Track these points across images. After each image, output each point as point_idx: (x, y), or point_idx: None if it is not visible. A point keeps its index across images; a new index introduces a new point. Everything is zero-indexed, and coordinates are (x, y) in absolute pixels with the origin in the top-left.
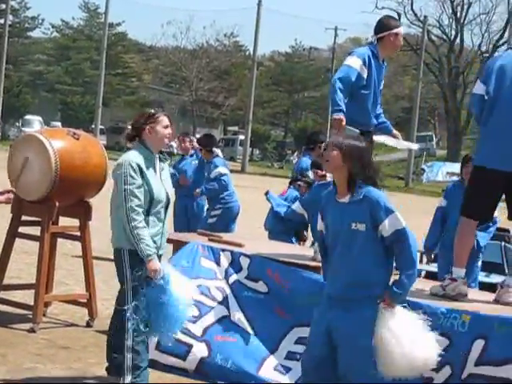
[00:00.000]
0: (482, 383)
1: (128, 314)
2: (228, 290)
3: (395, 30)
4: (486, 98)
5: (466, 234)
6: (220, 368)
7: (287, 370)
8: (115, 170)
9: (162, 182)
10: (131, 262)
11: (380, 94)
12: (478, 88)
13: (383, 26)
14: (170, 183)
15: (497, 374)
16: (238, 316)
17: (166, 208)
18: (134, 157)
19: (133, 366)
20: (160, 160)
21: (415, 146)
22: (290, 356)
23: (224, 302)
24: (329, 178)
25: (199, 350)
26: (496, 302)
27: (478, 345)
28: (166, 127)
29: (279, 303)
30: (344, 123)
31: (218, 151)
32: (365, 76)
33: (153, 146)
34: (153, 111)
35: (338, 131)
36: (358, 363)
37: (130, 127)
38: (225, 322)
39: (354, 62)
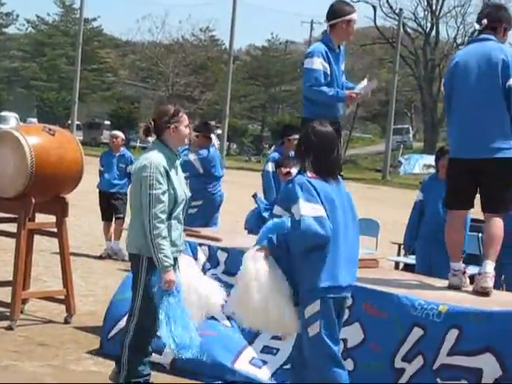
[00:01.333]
0: (453, 375)
1: (133, 323)
2: None
3: (347, 17)
4: (444, 92)
5: (453, 226)
6: (195, 361)
7: (263, 363)
8: (139, 172)
9: (180, 183)
10: (148, 269)
11: (342, 74)
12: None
13: (335, 12)
14: (184, 181)
15: (469, 364)
16: None
17: (184, 208)
18: (160, 159)
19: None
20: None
21: (374, 83)
22: (266, 350)
23: None
24: (293, 173)
25: None
26: (475, 291)
27: (453, 334)
28: (187, 126)
29: None
30: (355, 95)
31: (214, 138)
32: (328, 72)
33: (174, 145)
34: (176, 108)
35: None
36: None
37: (151, 122)
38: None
39: (316, 63)
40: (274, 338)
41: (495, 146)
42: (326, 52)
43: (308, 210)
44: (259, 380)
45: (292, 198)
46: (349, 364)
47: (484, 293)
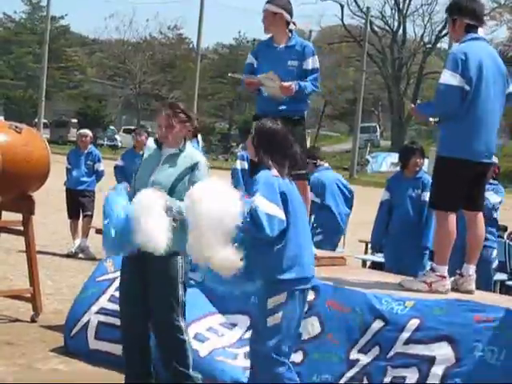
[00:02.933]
0: (405, 362)
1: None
2: None
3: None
4: (467, 89)
5: (448, 227)
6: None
7: (206, 339)
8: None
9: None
10: (186, 269)
11: (286, 69)
12: (454, 80)
13: None
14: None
15: (422, 352)
16: None
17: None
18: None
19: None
20: None
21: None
22: (212, 331)
23: None
24: None
25: None
26: (455, 290)
27: (413, 324)
28: (159, 127)
29: (211, 291)
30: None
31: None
32: (254, 66)
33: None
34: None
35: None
36: None
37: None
38: None
39: (248, 59)
40: (223, 325)
41: (494, 150)
42: (259, 48)
43: (263, 204)
44: (198, 355)
45: (253, 190)
46: (298, 356)
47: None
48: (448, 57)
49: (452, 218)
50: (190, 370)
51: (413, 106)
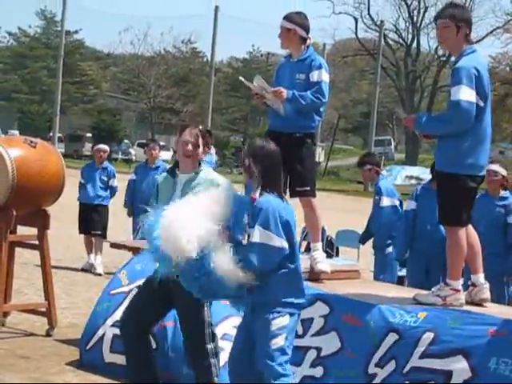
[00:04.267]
0: (421, 376)
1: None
2: None
3: None
4: (481, 106)
5: (461, 242)
6: (162, 356)
7: (221, 349)
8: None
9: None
10: None
11: (295, 82)
12: (473, 96)
13: None
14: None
15: (439, 367)
16: None
17: None
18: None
19: None
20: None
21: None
22: (226, 337)
23: None
24: None
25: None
26: (470, 302)
27: (427, 337)
28: (183, 143)
29: None
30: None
31: (212, 151)
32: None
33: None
34: (181, 125)
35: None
36: None
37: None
38: None
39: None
40: (236, 326)
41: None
42: (280, 63)
43: (263, 237)
44: None
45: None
46: (318, 371)
47: (483, 305)
48: (459, 71)
49: (463, 232)
50: None
51: (406, 116)
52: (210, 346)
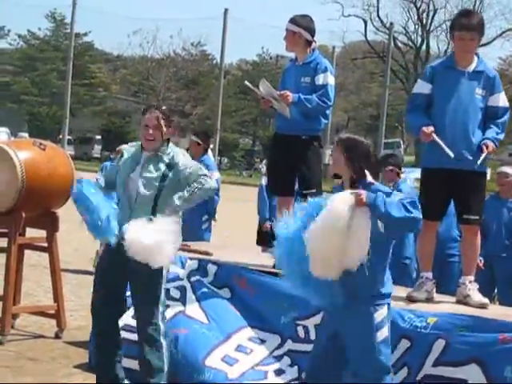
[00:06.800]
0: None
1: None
2: (188, 286)
3: None
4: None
5: (425, 236)
6: (171, 360)
7: (235, 361)
8: None
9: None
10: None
11: (301, 85)
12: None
13: None
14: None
15: (453, 375)
16: (193, 308)
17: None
18: (128, 147)
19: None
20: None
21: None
22: (240, 349)
23: (181, 299)
24: None
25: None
26: (457, 301)
27: (439, 345)
28: (146, 127)
29: (241, 309)
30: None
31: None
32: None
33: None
34: (145, 107)
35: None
36: None
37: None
38: (179, 316)
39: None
40: (251, 340)
41: None
42: (286, 67)
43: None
44: (227, 378)
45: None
46: None
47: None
48: (498, 80)
49: (428, 225)
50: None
51: (488, 144)
52: (162, 326)
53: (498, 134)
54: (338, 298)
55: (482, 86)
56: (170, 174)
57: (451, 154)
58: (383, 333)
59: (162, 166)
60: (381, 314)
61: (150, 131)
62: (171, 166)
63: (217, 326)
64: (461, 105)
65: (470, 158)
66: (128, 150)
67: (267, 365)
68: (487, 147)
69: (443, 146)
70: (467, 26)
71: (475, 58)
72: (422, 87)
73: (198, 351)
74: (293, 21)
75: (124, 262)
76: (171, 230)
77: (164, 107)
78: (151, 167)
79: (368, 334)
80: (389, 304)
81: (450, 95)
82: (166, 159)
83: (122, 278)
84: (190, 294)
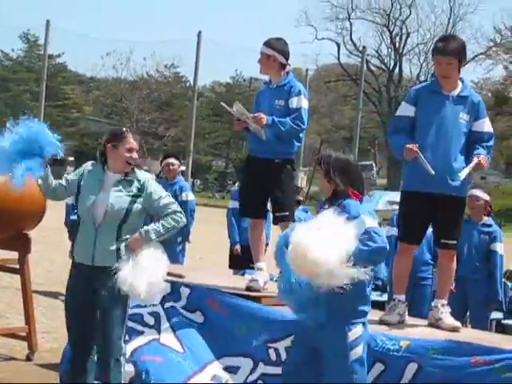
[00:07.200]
0: None
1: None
2: (162, 313)
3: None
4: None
5: (402, 258)
6: None
7: None
8: None
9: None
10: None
11: (274, 108)
12: None
13: None
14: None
15: None
16: (168, 337)
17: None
18: (88, 167)
19: None
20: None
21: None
22: (216, 380)
23: (155, 326)
24: None
25: (127, 371)
26: (430, 324)
27: (411, 368)
28: (129, 150)
29: (214, 332)
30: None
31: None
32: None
33: (112, 165)
34: (123, 130)
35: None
36: None
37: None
38: (153, 344)
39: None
40: (227, 370)
41: None
42: (260, 89)
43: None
44: None
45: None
46: None
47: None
48: (482, 105)
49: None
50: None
51: (482, 157)
52: (123, 346)
53: (487, 154)
54: (320, 313)
55: (467, 110)
56: (140, 200)
57: (431, 172)
58: (357, 352)
59: (133, 190)
60: (354, 332)
61: (134, 155)
62: (141, 191)
63: (192, 355)
64: (444, 128)
65: (451, 182)
66: (87, 169)
67: None
68: (479, 160)
69: (425, 162)
70: (443, 50)
71: (459, 83)
72: (406, 110)
73: (172, 380)
74: (267, 44)
75: (92, 285)
76: (159, 258)
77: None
78: (120, 190)
79: (339, 353)
80: (364, 323)
81: (434, 118)
82: (138, 184)
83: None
84: (163, 321)
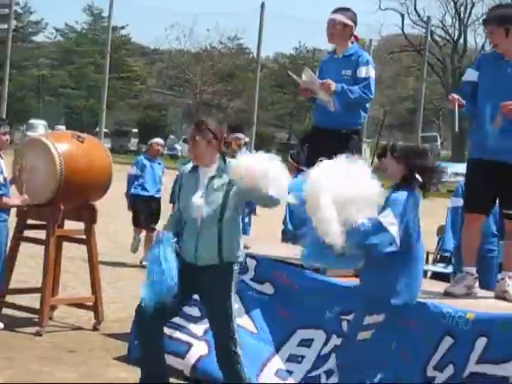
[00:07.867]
0: (481, 382)
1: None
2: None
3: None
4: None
5: (470, 229)
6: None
7: (289, 373)
8: None
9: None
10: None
11: (342, 79)
12: None
13: None
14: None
15: (496, 373)
16: (241, 316)
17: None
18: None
19: None
20: None
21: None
22: (292, 358)
23: None
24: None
25: (198, 349)
26: (496, 297)
27: (481, 342)
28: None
29: (284, 304)
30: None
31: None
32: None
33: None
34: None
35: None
36: None
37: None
38: None
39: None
40: (301, 345)
41: None
42: (324, 60)
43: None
44: None
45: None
46: None
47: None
48: None
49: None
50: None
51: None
52: (236, 338)
53: None
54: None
55: None
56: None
57: (457, 126)
58: (364, 335)
59: (225, 184)
60: (373, 319)
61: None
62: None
63: (265, 335)
64: (504, 93)
65: None
66: (184, 169)
67: (318, 368)
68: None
69: (456, 117)
70: (484, 20)
71: None
72: (470, 75)
73: (251, 366)
74: (343, 12)
75: (195, 274)
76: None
77: (208, 120)
78: (214, 186)
79: (351, 330)
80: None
81: (492, 83)
82: (227, 177)
83: (191, 290)
84: (236, 300)
